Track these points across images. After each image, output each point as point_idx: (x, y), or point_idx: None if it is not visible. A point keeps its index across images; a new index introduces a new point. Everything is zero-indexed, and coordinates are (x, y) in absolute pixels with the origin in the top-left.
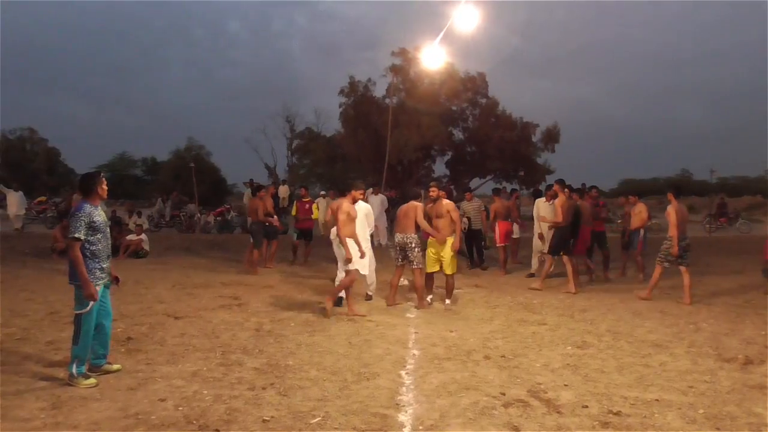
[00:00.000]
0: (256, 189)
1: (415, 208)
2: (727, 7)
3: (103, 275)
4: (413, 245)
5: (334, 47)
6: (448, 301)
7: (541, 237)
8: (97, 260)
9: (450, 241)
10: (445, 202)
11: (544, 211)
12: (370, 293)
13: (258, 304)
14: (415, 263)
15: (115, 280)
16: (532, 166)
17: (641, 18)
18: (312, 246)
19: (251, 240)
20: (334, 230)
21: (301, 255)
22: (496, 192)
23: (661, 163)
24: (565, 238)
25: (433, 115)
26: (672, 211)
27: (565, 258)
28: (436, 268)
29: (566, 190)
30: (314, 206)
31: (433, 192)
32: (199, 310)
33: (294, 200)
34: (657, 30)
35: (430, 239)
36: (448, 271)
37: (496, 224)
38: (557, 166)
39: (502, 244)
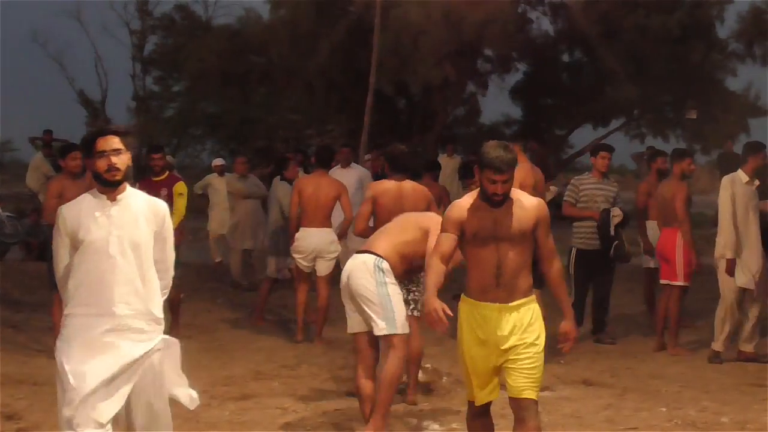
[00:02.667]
0: (63, 150)
1: (424, 194)
2: None
3: None
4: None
5: None
6: None
7: None
8: None
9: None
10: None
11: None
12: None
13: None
14: (414, 309)
15: None
16: (717, 96)
17: None
18: (179, 291)
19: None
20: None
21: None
22: (680, 155)
23: None
24: None
25: None
26: None
27: None
28: (494, 395)
29: None
30: (178, 192)
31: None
32: None
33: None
34: None
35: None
36: (530, 395)
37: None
38: None
39: (681, 284)
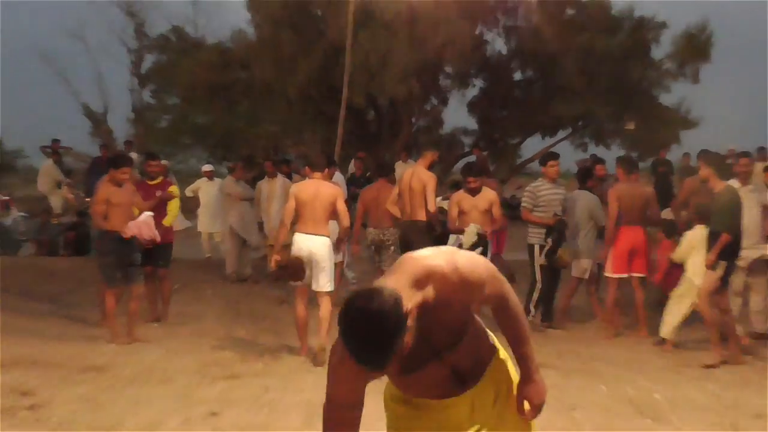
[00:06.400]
0: (116, 162)
1: (389, 191)
2: None
3: None
4: (389, 243)
5: None
6: None
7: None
8: None
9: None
10: (489, 193)
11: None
12: None
13: (72, 407)
14: (385, 265)
15: None
16: (651, 109)
17: None
18: (170, 282)
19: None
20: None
21: (148, 302)
22: (628, 165)
23: None
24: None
25: (441, 2)
26: None
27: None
28: None
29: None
30: (172, 192)
31: (474, 183)
32: None
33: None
34: None
35: None
36: None
37: (618, 232)
38: (704, 112)
39: (623, 275)
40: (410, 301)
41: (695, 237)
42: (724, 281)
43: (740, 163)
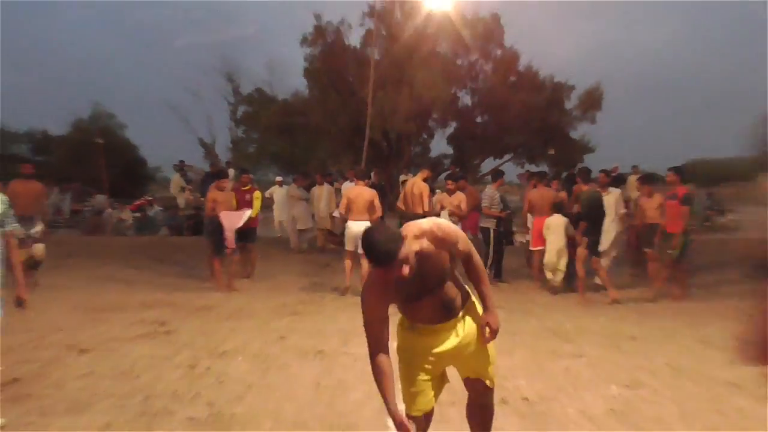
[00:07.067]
0: (215, 175)
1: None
2: None
3: None
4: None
5: None
6: None
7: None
8: None
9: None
10: (459, 194)
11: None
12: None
13: (192, 333)
14: None
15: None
16: (564, 141)
17: None
18: (256, 252)
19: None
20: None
21: (241, 265)
22: (541, 177)
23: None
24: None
25: (429, 73)
26: None
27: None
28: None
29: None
30: (256, 196)
31: (450, 185)
32: (111, 341)
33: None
34: None
35: None
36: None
37: (533, 221)
38: (600, 142)
39: (538, 248)
40: (412, 246)
41: (552, 222)
42: (592, 251)
43: (600, 176)
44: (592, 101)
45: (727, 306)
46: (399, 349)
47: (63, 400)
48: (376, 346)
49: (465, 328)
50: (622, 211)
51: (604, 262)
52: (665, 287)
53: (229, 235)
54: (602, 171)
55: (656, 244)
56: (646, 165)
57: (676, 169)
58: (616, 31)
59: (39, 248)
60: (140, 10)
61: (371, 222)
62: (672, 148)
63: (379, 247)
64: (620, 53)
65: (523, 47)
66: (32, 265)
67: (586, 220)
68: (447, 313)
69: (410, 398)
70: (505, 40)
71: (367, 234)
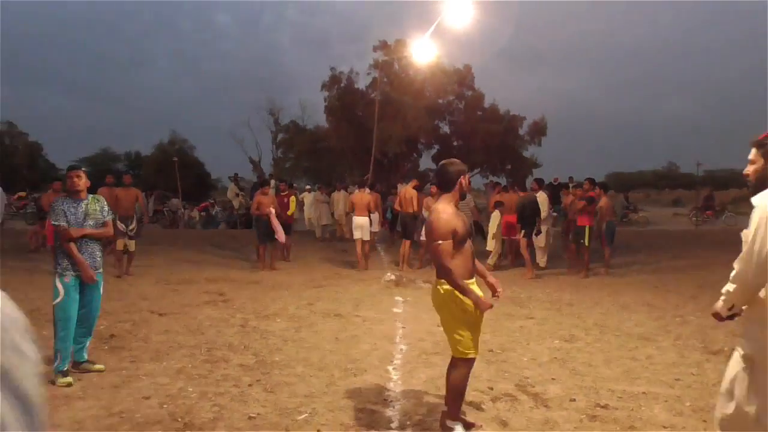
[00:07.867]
0: (261, 184)
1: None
2: (718, 5)
3: (77, 269)
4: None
5: (323, 40)
6: None
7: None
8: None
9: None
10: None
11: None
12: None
13: (243, 301)
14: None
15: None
16: (518, 159)
17: (632, 13)
18: (291, 241)
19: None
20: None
21: (282, 249)
22: (506, 188)
23: (649, 156)
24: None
25: (418, 108)
26: None
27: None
28: None
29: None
30: (292, 200)
31: (434, 190)
32: (184, 307)
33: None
34: (646, 24)
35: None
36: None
37: (501, 217)
38: (544, 160)
39: (507, 238)
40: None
41: (494, 216)
42: (527, 237)
43: (533, 184)
44: (539, 129)
45: (639, 280)
46: (467, 305)
47: (148, 350)
48: (447, 256)
49: (480, 288)
50: (547, 211)
51: (538, 245)
52: (580, 264)
53: (279, 229)
54: (535, 179)
55: (572, 235)
56: (579, 176)
57: (590, 180)
58: (554, 79)
59: (131, 243)
60: (212, 62)
61: (369, 217)
62: (596, 164)
63: (447, 168)
64: (557, 94)
65: (488, 89)
66: (126, 252)
67: (521, 216)
68: (473, 269)
69: (475, 344)
70: (475, 84)
71: (440, 165)
